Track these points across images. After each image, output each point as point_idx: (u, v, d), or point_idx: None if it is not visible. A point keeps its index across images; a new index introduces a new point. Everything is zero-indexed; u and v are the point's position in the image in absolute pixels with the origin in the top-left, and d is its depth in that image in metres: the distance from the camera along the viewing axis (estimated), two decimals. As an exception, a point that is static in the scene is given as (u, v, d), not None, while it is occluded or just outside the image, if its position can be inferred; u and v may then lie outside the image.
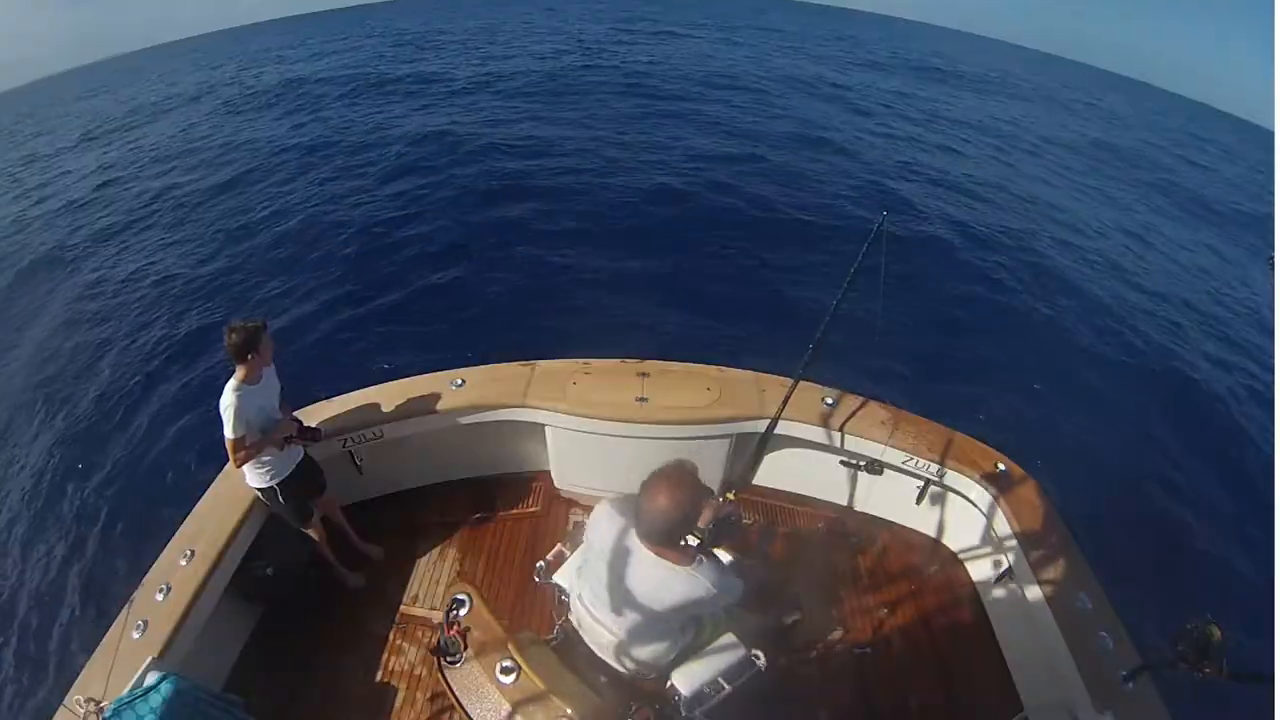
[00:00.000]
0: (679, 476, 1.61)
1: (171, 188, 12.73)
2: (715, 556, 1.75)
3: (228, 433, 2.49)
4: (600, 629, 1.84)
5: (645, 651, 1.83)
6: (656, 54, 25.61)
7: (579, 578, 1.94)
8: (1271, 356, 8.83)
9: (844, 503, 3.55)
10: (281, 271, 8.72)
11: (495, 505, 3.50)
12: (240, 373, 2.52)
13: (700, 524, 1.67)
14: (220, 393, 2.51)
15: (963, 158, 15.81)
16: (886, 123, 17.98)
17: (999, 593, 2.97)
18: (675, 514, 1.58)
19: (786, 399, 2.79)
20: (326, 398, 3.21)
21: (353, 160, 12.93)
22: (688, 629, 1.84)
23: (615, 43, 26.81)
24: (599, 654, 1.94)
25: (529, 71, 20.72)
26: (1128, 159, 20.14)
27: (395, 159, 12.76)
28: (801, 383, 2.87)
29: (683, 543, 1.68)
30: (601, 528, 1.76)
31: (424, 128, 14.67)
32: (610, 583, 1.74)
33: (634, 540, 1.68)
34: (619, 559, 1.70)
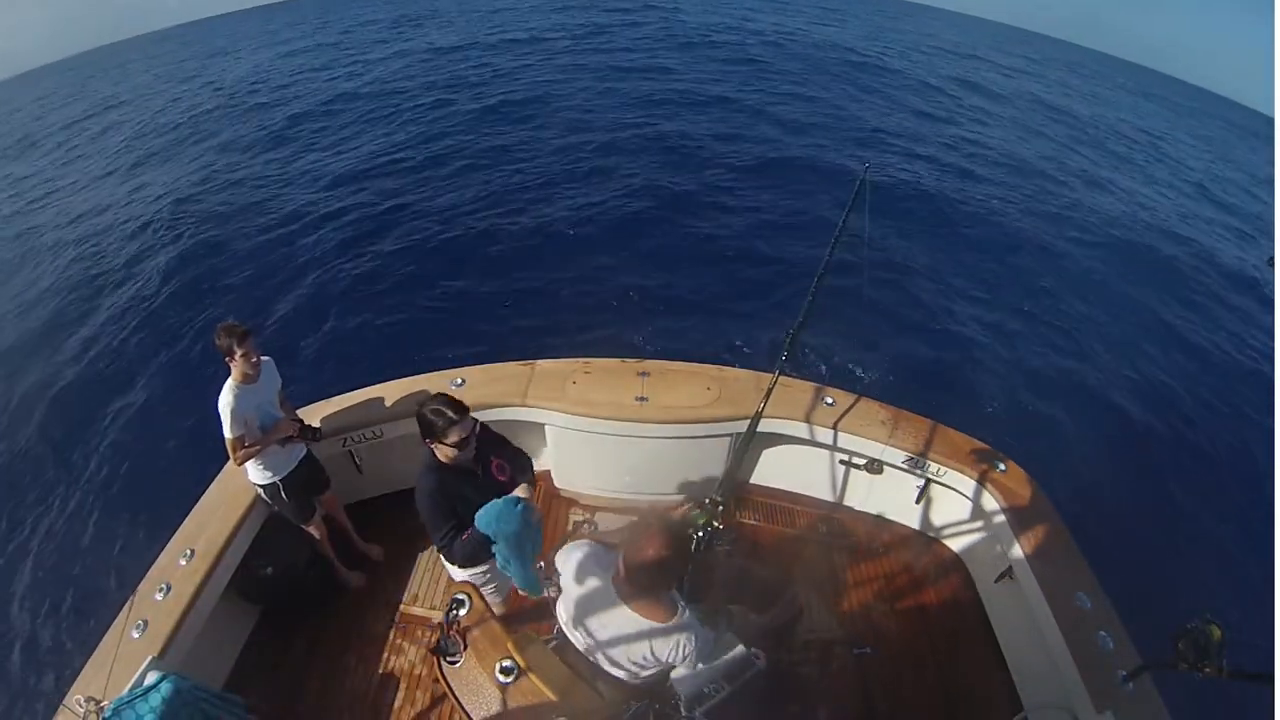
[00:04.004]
0: (665, 532, 1.59)
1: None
2: (693, 617, 1.75)
3: (226, 432, 2.52)
4: (584, 649, 1.86)
5: (623, 676, 1.84)
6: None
7: (562, 601, 1.94)
8: (1272, 355, 8.84)
9: (844, 502, 3.55)
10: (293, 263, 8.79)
11: None
12: (233, 373, 2.54)
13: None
14: (218, 391, 2.53)
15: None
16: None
17: (999, 593, 2.97)
18: (658, 567, 1.57)
19: (768, 393, 2.74)
20: (327, 397, 3.22)
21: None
22: (662, 667, 1.85)
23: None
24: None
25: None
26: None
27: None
28: (801, 382, 2.86)
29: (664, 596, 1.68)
30: (582, 572, 1.76)
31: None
32: (589, 627, 1.76)
33: (612, 592, 1.69)
34: (598, 607, 1.72)
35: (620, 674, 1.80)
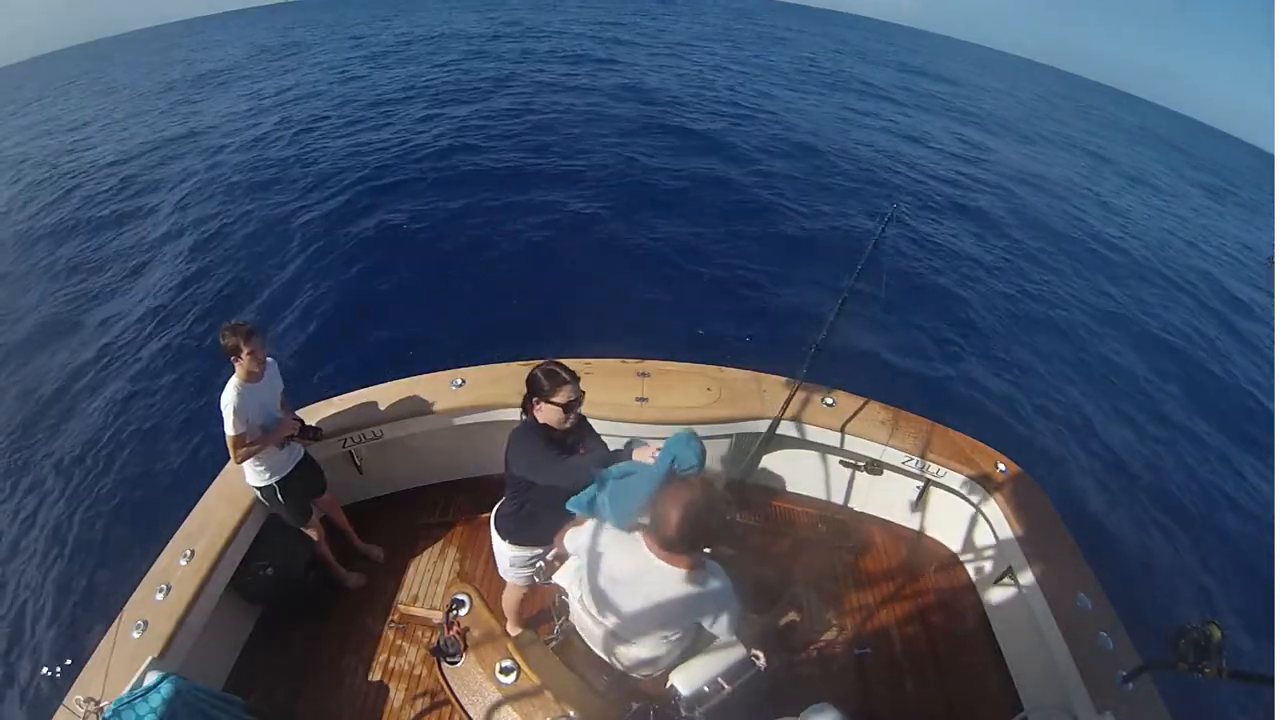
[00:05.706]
0: (697, 488, 1.58)
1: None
2: (718, 566, 1.73)
3: (228, 429, 2.51)
4: (599, 630, 1.84)
5: (644, 653, 1.83)
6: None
7: (578, 581, 1.93)
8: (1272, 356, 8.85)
9: (844, 503, 3.55)
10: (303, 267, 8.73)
11: (495, 505, 3.50)
12: (238, 371, 2.54)
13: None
14: (221, 390, 2.53)
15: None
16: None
17: (999, 593, 2.97)
18: (690, 523, 1.54)
19: (789, 400, 2.79)
20: (327, 397, 3.22)
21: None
22: (688, 634, 1.84)
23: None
24: (598, 652, 1.94)
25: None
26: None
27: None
28: (803, 383, 2.87)
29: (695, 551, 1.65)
30: (599, 537, 1.75)
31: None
32: (610, 586, 1.73)
33: (640, 545, 1.66)
34: (620, 563, 1.70)
35: (646, 649, 1.78)
